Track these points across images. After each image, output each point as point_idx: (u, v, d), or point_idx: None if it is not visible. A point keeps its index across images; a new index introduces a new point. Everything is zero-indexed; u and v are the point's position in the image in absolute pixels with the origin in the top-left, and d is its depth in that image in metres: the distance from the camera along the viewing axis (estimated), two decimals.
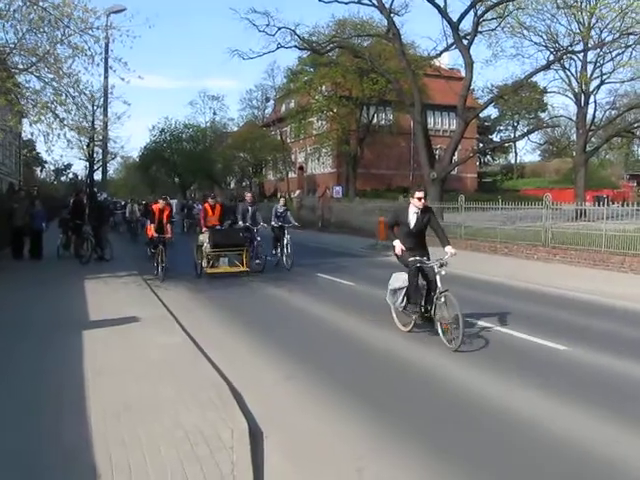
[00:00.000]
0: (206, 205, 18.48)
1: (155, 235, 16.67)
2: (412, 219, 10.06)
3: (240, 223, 18.52)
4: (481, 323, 10.84)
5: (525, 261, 20.91)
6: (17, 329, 9.99)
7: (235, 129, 75.99)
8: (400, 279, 10.20)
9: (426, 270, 9.79)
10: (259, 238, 18.62)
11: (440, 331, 9.36)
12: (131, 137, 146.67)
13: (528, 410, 6.56)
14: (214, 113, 78.59)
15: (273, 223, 19.42)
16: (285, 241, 19.10)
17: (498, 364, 8.27)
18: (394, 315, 10.58)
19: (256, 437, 5.72)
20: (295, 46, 37.64)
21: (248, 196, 19.57)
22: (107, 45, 17.68)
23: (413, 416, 6.39)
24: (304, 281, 16.68)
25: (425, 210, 10.15)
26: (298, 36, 36.62)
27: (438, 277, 9.44)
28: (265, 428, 6.01)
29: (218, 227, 17.90)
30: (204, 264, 17.09)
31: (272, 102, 71.16)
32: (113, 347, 8.78)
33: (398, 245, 10.02)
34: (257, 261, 18.41)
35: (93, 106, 27.02)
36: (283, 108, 66.74)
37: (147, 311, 11.51)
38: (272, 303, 13.54)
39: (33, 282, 15.70)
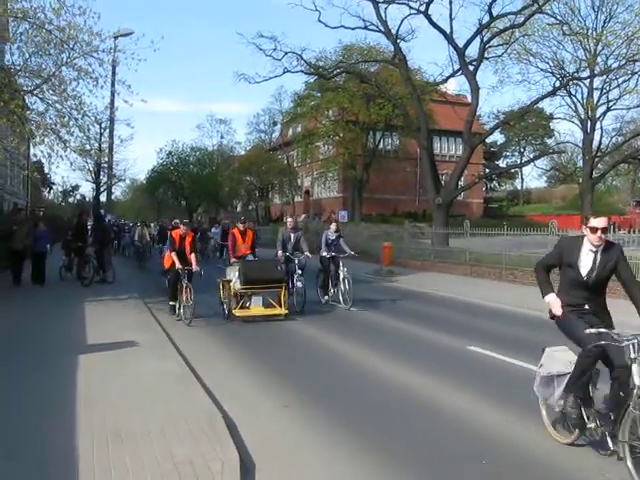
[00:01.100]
0: (235, 231, 15.69)
1: (180, 266, 13.77)
2: (585, 261, 6.26)
3: (279, 253, 15.81)
4: (484, 351, 10.73)
5: (530, 288, 20.71)
6: (11, 353, 9.90)
7: (242, 152, 76.20)
8: (561, 360, 6.35)
9: (612, 353, 5.72)
10: (300, 271, 15.58)
11: (631, 465, 5.28)
12: (138, 160, 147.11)
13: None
14: (221, 136, 78.94)
15: (324, 253, 16.70)
16: (341, 275, 16.30)
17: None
18: (544, 415, 6.68)
19: (248, 470, 5.57)
20: (302, 71, 37.75)
21: (289, 221, 16.66)
22: (114, 68, 17.76)
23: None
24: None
25: (608, 248, 6.25)
26: (305, 61, 36.74)
27: (635, 368, 5.34)
28: (257, 460, 5.87)
29: (250, 257, 15.33)
30: (232, 304, 14.04)
31: (279, 126, 71.32)
32: (108, 372, 8.64)
33: (556, 303, 6.27)
34: (297, 298, 15.45)
35: (100, 128, 27.12)
36: (290, 132, 66.93)
37: (146, 335, 11.41)
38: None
39: (32, 304, 15.65)
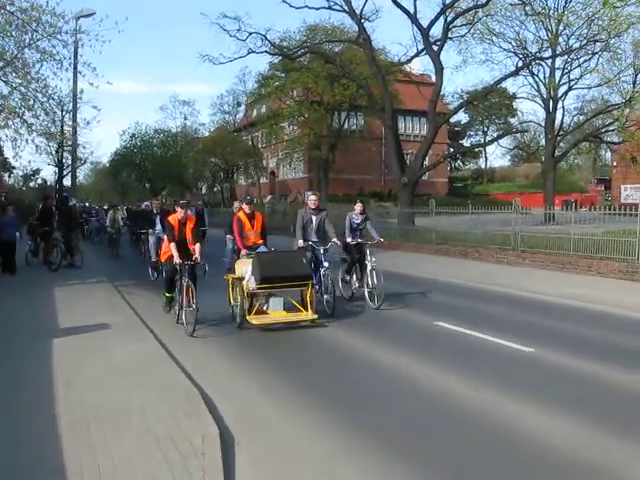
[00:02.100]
0: (240, 214, 12.64)
1: (178, 261, 10.91)
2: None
3: (300, 242, 12.68)
4: (449, 326, 10.98)
5: (495, 265, 21.09)
6: None
7: (206, 134, 75.73)
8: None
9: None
10: (327, 263, 12.56)
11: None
12: (101, 142, 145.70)
13: (494, 409, 6.68)
14: (185, 118, 78.29)
15: (349, 240, 13.64)
16: (369, 266, 13.20)
17: (464, 365, 8.36)
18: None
19: (228, 444, 5.71)
20: (266, 51, 37.54)
21: (312, 199, 13.29)
22: (76, 50, 17.61)
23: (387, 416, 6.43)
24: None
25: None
26: (269, 41, 36.58)
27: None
28: (236, 435, 6.02)
29: (263, 248, 12.24)
30: (244, 307, 11.10)
31: (243, 107, 71.01)
32: (83, 355, 8.73)
33: None
34: (325, 297, 12.46)
35: (62, 111, 26.84)
36: (254, 113, 66.68)
37: (117, 317, 11.46)
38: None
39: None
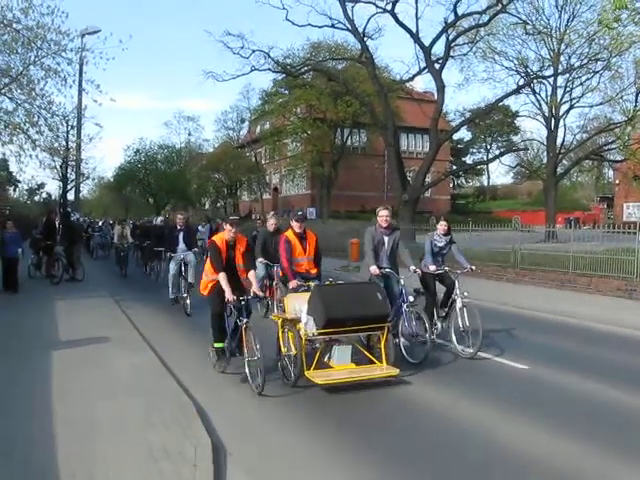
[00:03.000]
0: (289, 234, 10.32)
1: (232, 297, 8.30)
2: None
3: (373, 269, 9.81)
4: (445, 343, 11.03)
5: (494, 282, 21.14)
6: None
7: (210, 150, 76.04)
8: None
9: None
10: (412, 297, 9.85)
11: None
12: (105, 157, 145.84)
13: (488, 425, 6.77)
14: (189, 134, 78.73)
15: (431, 267, 10.71)
16: (458, 302, 10.28)
17: (460, 383, 8.46)
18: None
19: (220, 455, 5.82)
20: (269, 69, 37.88)
21: (383, 216, 10.20)
22: (81, 67, 17.87)
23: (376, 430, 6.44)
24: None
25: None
26: (272, 59, 36.89)
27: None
28: (229, 446, 6.12)
29: (314, 279, 10.08)
30: (302, 359, 8.16)
31: (247, 123, 71.32)
32: (81, 367, 8.86)
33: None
34: (402, 340, 9.79)
35: (67, 127, 27.04)
36: (258, 129, 66.93)
37: (117, 331, 11.56)
38: None
39: (1, 303, 15.61)
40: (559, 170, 44.34)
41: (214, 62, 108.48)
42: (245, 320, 8.34)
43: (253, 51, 35.57)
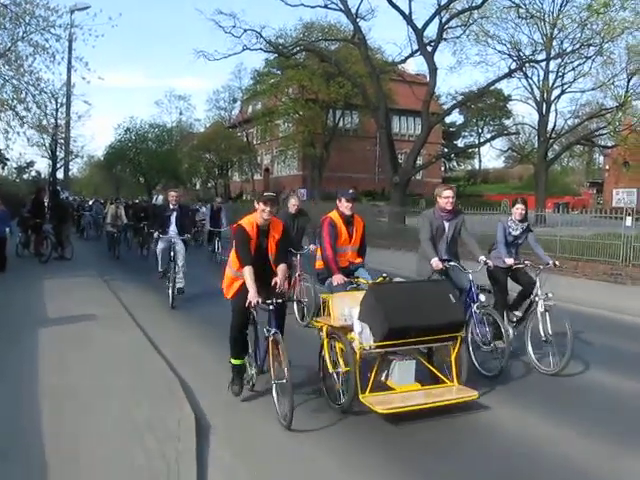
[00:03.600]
0: (334, 216, 8.35)
1: (256, 299, 6.42)
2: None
3: (435, 262, 8.19)
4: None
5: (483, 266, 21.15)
6: None
7: (201, 129, 75.69)
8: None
9: None
10: (483, 297, 8.28)
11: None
12: (95, 136, 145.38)
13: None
14: (180, 113, 78.21)
15: (507, 260, 8.94)
16: (540, 305, 8.42)
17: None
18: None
19: (203, 430, 5.91)
20: (261, 49, 37.63)
21: (446, 196, 8.49)
22: (70, 44, 17.73)
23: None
24: None
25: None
26: (264, 38, 36.60)
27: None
28: (212, 421, 6.22)
29: (364, 274, 8.38)
30: (357, 378, 6.49)
31: (239, 103, 70.99)
32: (68, 344, 8.92)
33: None
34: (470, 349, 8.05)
35: (56, 104, 26.85)
36: (250, 109, 66.68)
37: (105, 310, 11.59)
38: None
39: None
40: (550, 155, 44.42)
41: (206, 41, 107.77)
42: (273, 331, 6.39)
43: (245, 30, 35.30)
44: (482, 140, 73.32)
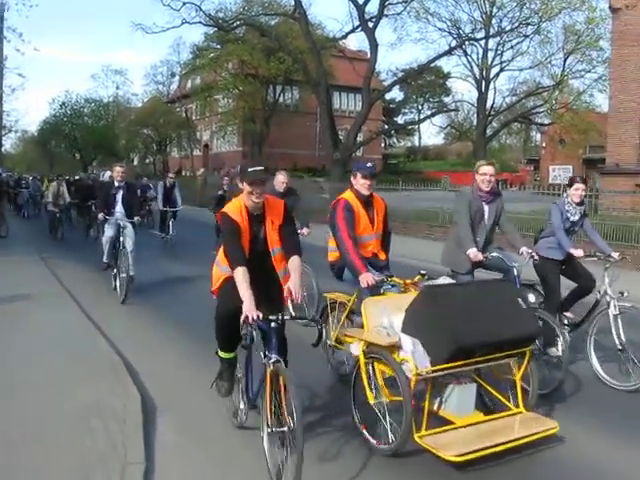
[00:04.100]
0: (348, 197, 6.66)
1: (252, 316, 4.63)
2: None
3: (473, 252, 7.02)
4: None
5: (422, 240, 21.40)
6: None
7: (139, 105, 74.38)
8: None
9: None
10: (532, 297, 7.36)
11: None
12: (29, 110, 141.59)
13: None
14: (117, 87, 76.64)
15: (575, 252, 7.41)
16: (612, 307, 7.11)
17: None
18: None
19: (150, 412, 5.82)
20: (200, 22, 37.11)
21: (486, 172, 7.19)
22: (1, 14, 17.17)
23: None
24: None
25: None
26: (203, 12, 36.06)
27: None
28: (158, 402, 6.12)
29: (384, 266, 6.78)
30: (409, 413, 4.88)
31: (177, 78, 69.93)
32: (4, 324, 8.64)
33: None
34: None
35: None
36: (189, 84, 65.68)
37: (43, 289, 11.28)
38: None
39: None
40: (488, 132, 45.06)
41: (144, 14, 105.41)
42: (274, 358, 4.65)
43: (184, 3, 34.71)
44: (422, 117, 73.89)
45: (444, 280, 6.19)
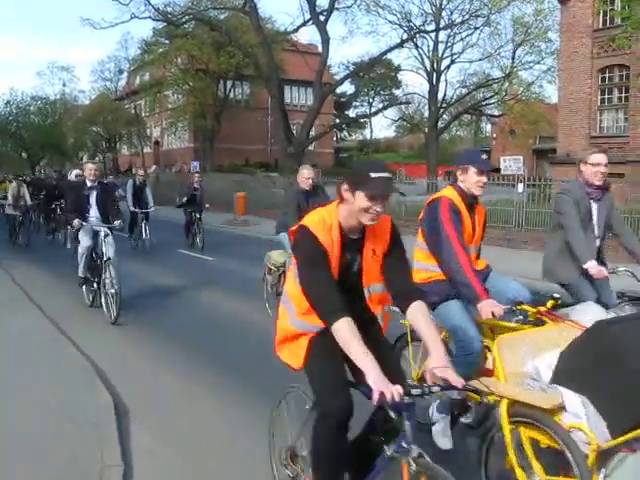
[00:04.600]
0: (452, 196, 4.91)
1: (391, 396, 2.81)
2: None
3: (591, 265, 5.45)
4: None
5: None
6: None
7: (87, 102, 73.19)
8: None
9: None
10: None
11: None
12: None
13: None
14: (64, 84, 75.28)
15: None
16: None
17: None
18: None
19: (122, 414, 5.68)
20: (150, 17, 36.70)
21: (598, 162, 5.67)
22: None
23: None
24: None
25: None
26: (152, 6, 35.72)
27: None
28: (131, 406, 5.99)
29: (499, 277, 5.29)
30: None
31: (125, 74, 69.02)
32: None
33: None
34: None
35: None
36: (137, 81, 64.92)
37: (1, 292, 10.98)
38: None
39: None
40: (440, 124, 45.39)
41: (92, 10, 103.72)
42: (416, 450, 3.00)
43: None
44: (373, 110, 74.15)
45: (591, 308, 4.59)
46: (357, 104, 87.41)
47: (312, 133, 40.09)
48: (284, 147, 34.05)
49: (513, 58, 39.33)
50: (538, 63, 39.17)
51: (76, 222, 9.75)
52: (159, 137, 65.90)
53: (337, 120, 70.07)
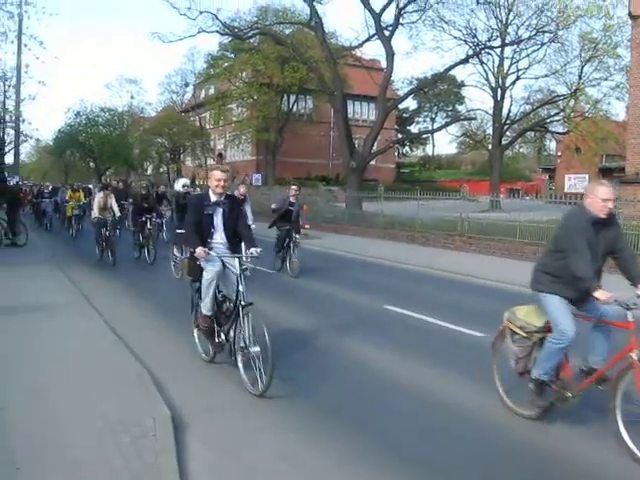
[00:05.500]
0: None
1: None
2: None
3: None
4: (400, 310, 11.02)
5: (442, 250, 21.26)
6: None
7: (153, 114, 74.63)
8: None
9: None
10: None
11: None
12: (45, 119, 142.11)
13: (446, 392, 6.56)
14: (132, 97, 76.96)
15: None
16: None
17: (417, 349, 8.36)
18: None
19: (179, 426, 5.61)
20: (217, 31, 37.19)
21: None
22: (20, 21, 17.19)
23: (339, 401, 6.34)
24: None
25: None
26: (220, 21, 36.18)
27: None
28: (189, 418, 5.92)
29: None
30: None
31: (191, 87, 70.17)
32: (24, 333, 8.46)
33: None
34: None
35: (5, 85, 26.01)
36: (203, 94, 65.96)
37: (63, 298, 11.12)
38: None
39: None
40: (504, 141, 44.81)
41: (159, 24, 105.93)
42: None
43: (200, 12, 34.89)
44: (436, 126, 73.78)
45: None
46: (420, 119, 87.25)
47: (374, 148, 40.00)
48: (346, 161, 34.05)
49: (580, 74, 38.58)
50: (606, 79, 38.30)
51: (200, 251, 6.96)
52: (222, 149, 66.66)
53: (399, 135, 69.90)
